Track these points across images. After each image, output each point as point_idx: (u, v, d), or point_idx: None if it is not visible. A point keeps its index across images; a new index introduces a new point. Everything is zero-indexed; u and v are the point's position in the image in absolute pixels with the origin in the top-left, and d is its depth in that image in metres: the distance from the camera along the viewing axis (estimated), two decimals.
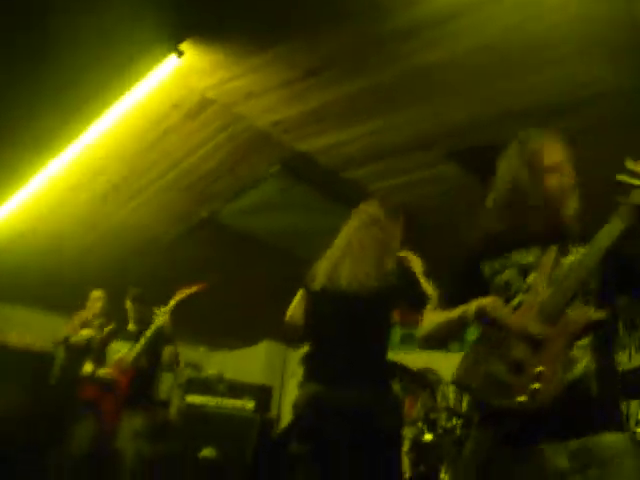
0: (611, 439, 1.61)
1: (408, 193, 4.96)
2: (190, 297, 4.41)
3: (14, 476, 4.02)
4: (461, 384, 1.77)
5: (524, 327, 1.66)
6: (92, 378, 4.45)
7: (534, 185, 1.83)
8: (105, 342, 4.79)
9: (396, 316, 7.09)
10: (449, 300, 1.92)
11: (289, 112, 3.99)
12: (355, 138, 4.29)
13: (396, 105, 3.96)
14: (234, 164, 4.58)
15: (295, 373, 6.75)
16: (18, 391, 5.29)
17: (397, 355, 6.05)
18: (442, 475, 3.58)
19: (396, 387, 4.67)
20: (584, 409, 1.63)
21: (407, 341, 6.70)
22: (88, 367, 4.58)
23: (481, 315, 1.72)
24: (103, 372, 4.43)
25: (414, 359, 5.22)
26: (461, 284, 1.95)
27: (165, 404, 6.45)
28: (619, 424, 1.69)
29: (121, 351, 4.54)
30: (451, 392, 5.64)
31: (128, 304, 4.84)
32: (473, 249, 1.99)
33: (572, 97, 3.49)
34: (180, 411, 5.77)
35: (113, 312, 5.04)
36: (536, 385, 1.57)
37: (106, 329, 4.96)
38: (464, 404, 4.94)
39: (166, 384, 6.85)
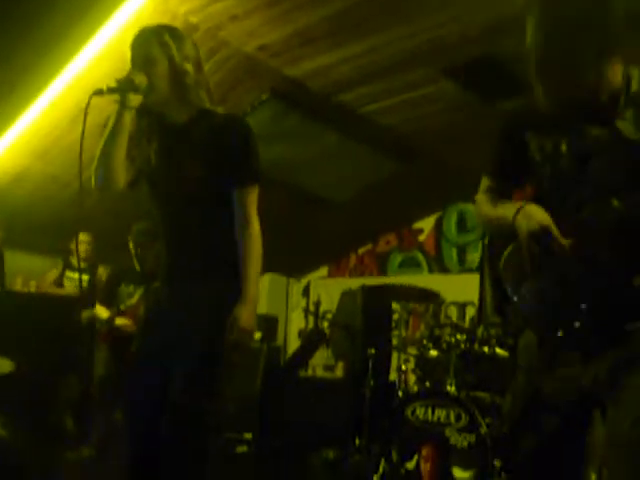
0: None
1: (402, 114, 4.89)
2: None
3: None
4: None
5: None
6: (110, 325, 4.34)
7: None
8: (110, 285, 4.58)
9: (394, 241, 7.15)
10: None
11: (275, 35, 3.88)
12: (344, 60, 4.18)
13: (384, 23, 3.84)
14: (224, 94, 4.48)
15: (298, 304, 6.84)
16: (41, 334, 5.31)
17: (398, 278, 6.12)
18: (448, 387, 3.65)
19: (399, 307, 4.72)
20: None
21: (406, 265, 6.74)
22: (103, 312, 4.39)
23: (538, 235, 1.53)
24: (121, 322, 4.31)
25: (414, 282, 5.24)
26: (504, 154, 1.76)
27: None
28: None
29: (134, 295, 4.36)
30: (454, 311, 5.74)
31: (131, 243, 4.42)
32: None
33: None
34: None
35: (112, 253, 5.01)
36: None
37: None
38: (467, 320, 5.03)
39: None
